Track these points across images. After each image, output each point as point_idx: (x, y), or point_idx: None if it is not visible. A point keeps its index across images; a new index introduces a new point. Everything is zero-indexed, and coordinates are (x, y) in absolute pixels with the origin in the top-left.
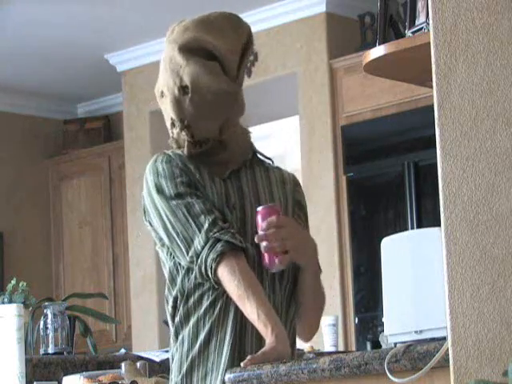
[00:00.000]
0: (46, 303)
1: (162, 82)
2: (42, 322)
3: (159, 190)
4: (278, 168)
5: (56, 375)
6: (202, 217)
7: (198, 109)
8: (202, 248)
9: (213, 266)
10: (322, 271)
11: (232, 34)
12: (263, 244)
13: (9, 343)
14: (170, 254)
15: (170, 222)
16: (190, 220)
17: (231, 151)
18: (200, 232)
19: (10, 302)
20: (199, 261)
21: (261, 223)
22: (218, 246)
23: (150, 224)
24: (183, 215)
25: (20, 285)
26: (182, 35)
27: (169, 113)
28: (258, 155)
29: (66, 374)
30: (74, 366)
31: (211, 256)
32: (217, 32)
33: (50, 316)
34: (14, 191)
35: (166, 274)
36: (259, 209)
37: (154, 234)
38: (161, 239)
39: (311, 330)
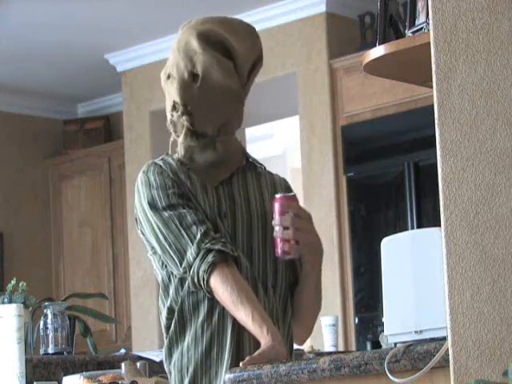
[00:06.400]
0: (46, 303)
1: (170, 64)
2: (41, 322)
3: (151, 202)
4: (269, 173)
5: (56, 375)
6: (194, 227)
7: (204, 99)
8: (194, 259)
9: (205, 277)
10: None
11: (249, 42)
12: (276, 228)
13: (9, 343)
14: (162, 263)
15: (163, 234)
16: (183, 231)
17: (224, 154)
18: (192, 243)
19: (10, 302)
20: (192, 272)
21: (279, 209)
22: (210, 257)
23: (142, 233)
24: (175, 226)
25: (20, 285)
26: (201, 25)
27: (172, 95)
28: (251, 160)
29: (66, 374)
30: (74, 366)
31: (203, 267)
32: (236, 34)
33: (50, 316)
34: (13, 191)
35: (160, 283)
36: (278, 196)
37: (145, 242)
38: (152, 247)
39: (307, 332)
